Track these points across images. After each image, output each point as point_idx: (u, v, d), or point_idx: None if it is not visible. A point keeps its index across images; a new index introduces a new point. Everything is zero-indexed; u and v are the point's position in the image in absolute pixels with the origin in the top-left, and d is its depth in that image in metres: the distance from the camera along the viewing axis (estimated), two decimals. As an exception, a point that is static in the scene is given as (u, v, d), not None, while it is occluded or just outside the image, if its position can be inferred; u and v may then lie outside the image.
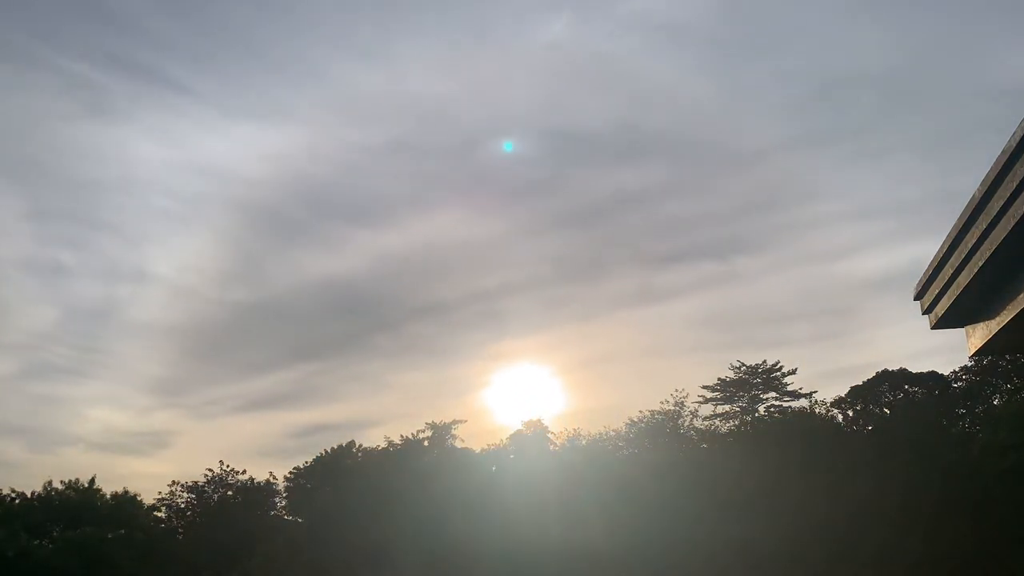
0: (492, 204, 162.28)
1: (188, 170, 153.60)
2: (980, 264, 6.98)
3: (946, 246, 7.68)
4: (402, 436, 74.59)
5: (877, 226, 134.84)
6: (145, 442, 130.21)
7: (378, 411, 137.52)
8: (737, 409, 72.06)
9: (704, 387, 72.10)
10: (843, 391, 69.03)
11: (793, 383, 71.33)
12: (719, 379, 71.95)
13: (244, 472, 77.24)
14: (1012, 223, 6.19)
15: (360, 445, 75.94)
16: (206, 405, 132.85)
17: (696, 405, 71.27)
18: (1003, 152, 6.16)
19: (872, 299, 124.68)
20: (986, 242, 6.75)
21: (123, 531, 69.92)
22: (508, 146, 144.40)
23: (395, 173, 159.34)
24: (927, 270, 8.35)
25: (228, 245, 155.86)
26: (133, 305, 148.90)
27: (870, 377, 68.20)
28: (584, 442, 71.06)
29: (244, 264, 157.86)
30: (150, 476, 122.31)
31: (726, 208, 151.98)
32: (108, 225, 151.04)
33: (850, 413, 68.82)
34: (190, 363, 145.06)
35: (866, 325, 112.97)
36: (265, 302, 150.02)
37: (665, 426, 69.92)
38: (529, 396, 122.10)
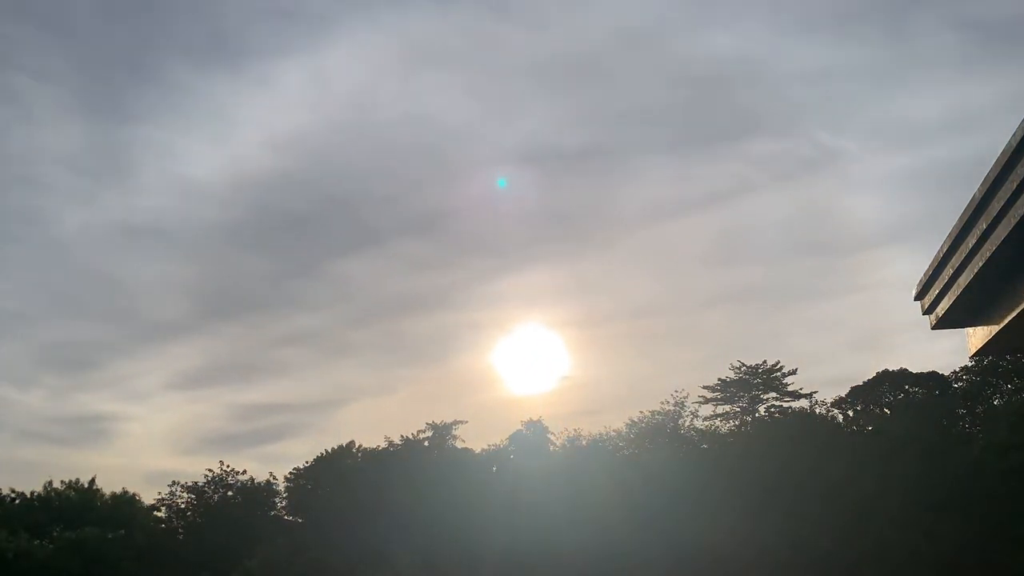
0: (435, 47, 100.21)
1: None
2: (980, 264, 6.96)
3: (946, 246, 7.65)
4: (402, 436, 75.10)
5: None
6: (83, 431, 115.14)
7: (334, 384, 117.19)
8: (737, 409, 72.13)
9: (704, 387, 72.36)
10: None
11: (793, 383, 71.42)
12: (719, 379, 72.08)
13: (244, 472, 77.51)
14: (1012, 224, 6.17)
15: (360, 445, 76.16)
16: (127, 381, 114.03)
17: (696, 405, 71.54)
18: (1003, 152, 6.13)
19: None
20: (987, 243, 6.73)
21: (123, 531, 69.80)
22: (502, 183, 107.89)
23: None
24: (927, 270, 8.33)
25: (61, 110, 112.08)
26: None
27: (870, 377, 68.33)
28: (584, 442, 71.18)
29: (91, 148, 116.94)
30: (98, 470, 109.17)
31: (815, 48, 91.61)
32: None
33: (850, 413, 68.91)
34: (83, 324, 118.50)
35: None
36: (143, 222, 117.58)
37: (665, 426, 70.00)
38: (520, 365, 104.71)
